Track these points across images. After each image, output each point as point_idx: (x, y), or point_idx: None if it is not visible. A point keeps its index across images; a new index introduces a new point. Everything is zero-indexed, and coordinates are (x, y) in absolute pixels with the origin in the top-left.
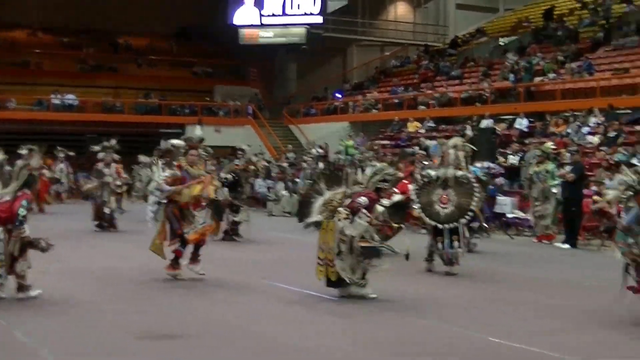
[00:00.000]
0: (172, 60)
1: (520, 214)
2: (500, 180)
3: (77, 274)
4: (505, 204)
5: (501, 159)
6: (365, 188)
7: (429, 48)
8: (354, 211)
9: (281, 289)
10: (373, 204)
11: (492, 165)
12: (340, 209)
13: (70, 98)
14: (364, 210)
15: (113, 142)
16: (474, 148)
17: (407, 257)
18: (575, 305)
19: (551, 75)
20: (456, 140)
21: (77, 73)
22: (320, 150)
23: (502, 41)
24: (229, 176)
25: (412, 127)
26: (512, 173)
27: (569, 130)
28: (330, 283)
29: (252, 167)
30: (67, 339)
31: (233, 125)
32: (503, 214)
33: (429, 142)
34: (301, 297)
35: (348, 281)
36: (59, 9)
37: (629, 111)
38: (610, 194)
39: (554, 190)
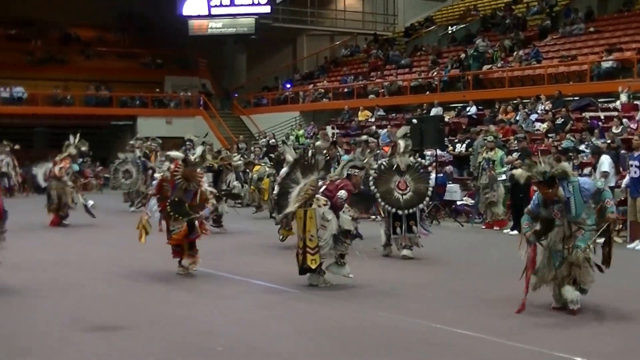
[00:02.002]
0: (121, 51)
1: (470, 201)
2: (449, 168)
3: (27, 267)
4: (455, 192)
5: (450, 147)
6: (340, 176)
7: (378, 37)
8: (337, 207)
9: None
10: (350, 194)
11: (441, 152)
12: (318, 196)
13: (19, 91)
14: (346, 205)
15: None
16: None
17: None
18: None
19: (499, 63)
20: (405, 129)
21: (25, 65)
22: (273, 141)
23: (450, 29)
24: (216, 165)
25: (362, 116)
26: (461, 161)
27: (517, 118)
28: (305, 271)
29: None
30: (7, 330)
31: (184, 116)
32: (453, 201)
33: (379, 131)
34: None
35: (337, 260)
36: (6, 1)
37: (576, 98)
38: (518, 171)
39: (502, 177)
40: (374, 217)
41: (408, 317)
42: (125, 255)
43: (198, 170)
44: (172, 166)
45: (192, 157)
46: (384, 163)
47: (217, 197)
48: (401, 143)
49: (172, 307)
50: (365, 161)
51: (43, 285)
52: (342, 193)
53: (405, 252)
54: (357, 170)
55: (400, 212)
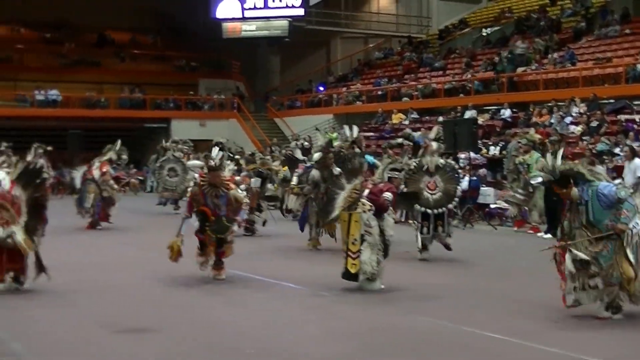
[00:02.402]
0: (155, 54)
1: (503, 205)
2: (483, 171)
3: (63, 268)
4: (488, 195)
5: (483, 149)
6: (381, 179)
7: (412, 39)
8: (383, 208)
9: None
10: (395, 197)
11: (474, 155)
12: (363, 200)
13: (53, 94)
14: (391, 207)
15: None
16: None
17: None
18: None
19: (534, 65)
20: (437, 130)
21: (60, 68)
22: (306, 144)
23: (484, 32)
24: (264, 171)
25: (395, 118)
26: (495, 164)
27: (552, 120)
28: (347, 275)
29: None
30: (40, 332)
31: (217, 119)
32: (486, 205)
33: (413, 134)
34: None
35: (369, 275)
36: (40, 3)
37: (611, 100)
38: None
39: (536, 180)
40: (411, 221)
41: (439, 319)
42: (158, 257)
43: (222, 173)
44: (198, 177)
45: (212, 162)
46: (415, 164)
47: (258, 204)
48: (433, 145)
49: (204, 309)
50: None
51: (78, 287)
52: (388, 195)
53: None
54: (397, 173)
55: (429, 211)
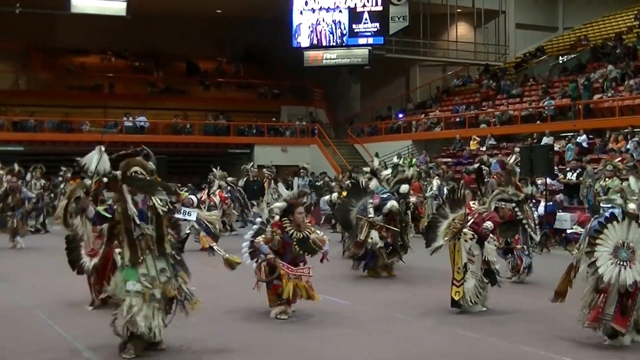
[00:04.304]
0: (239, 82)
1: (579, 229)
2: (559, 197)
3: None
4: (565, 220)
5: (560, 175)
6: (487, 209)
7: (489, 67)
8: (482, 237)
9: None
10: (497, 226)
11: (551, 181)
12: (465, 230)
13: (142, 120)
14: (492, 235)
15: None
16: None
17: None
18: None
19: (610, 92)
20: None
21: (148, 96)
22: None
23: (561, 59)
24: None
25: (473, 145)
26: (571, 189)
27: (628, 147)
28: (453, 303)
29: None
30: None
31: (299, 145)
32: (563, 230)
33: (490, 160)
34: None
35: (470, 303)
36: (130, 34)
37: None
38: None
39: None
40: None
41: (516, 343)
42: (240, 278)
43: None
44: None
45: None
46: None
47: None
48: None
49: (282, 332)
50: (511, 194)
51: None
52: (489, 224)
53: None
54: (504, 203)
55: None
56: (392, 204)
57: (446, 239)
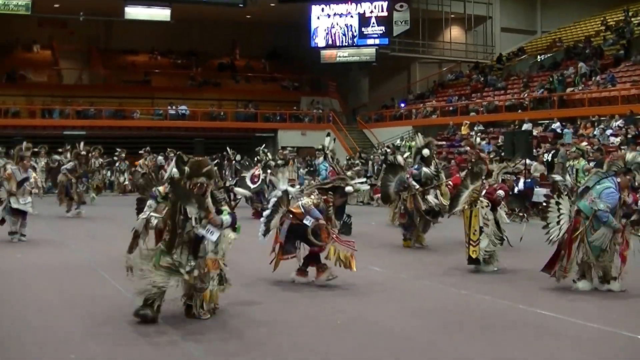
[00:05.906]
0: (265, 76)
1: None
2: (537, 174)
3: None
4: (542, 194)
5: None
6: (495, 182)
7: (478, 64)
8: (496, 203)
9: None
10: (507, 194)
11: (529, 162)
12: (481, 198)
13: (183, 109)
14: (503, 202)
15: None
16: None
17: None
18: None
19: (580, 86)
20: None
21: (188, 88)
22: (389, 151)
23: (539, 58)
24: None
25: (464, 130)
26: (548, 167)
27: (595, 133)
28: (470, 260)
29: None
30: (219, 339)
31: (316, 130)
32: (540, 203)
33: (479, 141)
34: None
35: (482, 259)
36: (173, 36)
37: None
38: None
39: None
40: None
41: (505, 300)
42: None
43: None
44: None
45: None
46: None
47: None
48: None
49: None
50: (514, 167)
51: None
52: (501, 192)
53: None
54: (508, 175)
55: None
56: (425, 170)
57: (465, 205)
